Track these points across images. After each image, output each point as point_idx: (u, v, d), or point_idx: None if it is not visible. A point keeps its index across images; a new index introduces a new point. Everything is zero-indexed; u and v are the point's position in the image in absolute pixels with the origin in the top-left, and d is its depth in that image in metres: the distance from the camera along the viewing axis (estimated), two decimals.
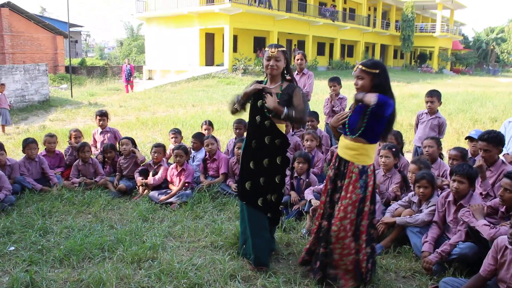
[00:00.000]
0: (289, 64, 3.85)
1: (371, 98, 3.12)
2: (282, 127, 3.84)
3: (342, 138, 3.53)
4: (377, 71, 3.29)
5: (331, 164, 3.64)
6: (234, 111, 3.97)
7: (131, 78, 22.18)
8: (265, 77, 3.95)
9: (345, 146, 3.46)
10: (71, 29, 37.20)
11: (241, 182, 3.94)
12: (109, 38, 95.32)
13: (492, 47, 61.12)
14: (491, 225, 3.38)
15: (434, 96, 5.93)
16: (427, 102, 5.98)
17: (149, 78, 32.01)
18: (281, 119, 3.69)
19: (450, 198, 3.98)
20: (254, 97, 3.85)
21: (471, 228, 3.52)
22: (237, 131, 6.63)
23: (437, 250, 3.74)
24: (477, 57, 58.31)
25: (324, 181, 3.79)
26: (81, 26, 43.61)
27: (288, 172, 5.38)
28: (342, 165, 3.47)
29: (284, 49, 3.77)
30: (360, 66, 3.34)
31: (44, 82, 16.61)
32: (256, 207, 3.83)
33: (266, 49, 3.80)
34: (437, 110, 6.01)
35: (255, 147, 3.84)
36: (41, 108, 15.78)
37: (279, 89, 3.79)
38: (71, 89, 19.45)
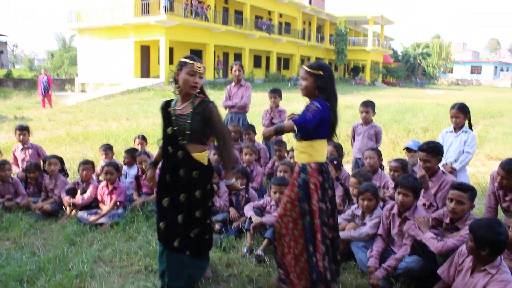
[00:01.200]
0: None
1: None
2: (202, 156, 3.42)
3: None
4: (321, 73, 3.23)
5: None
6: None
7: (49, 91, 19.45)
8: (177, 94, 3.41)
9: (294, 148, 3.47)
10: None
11: (157, 220, 3.51)
12: (40, 50, 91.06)
13: (419, 61, 64.33)
14: (438, 237, 3.31)
15: (369, 106, 5.94)
16: (362, 112, 5.98)
17: (82, 91, 30.79)
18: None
19: (395, 210, 3.90)
20: (164, 122, 3.42)
21: (418, 241, 3.44)
22: None
23: (383, 265, 3.62)
24: (406, 70, 61.17)
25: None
26: (5, 36, 41.27)
27: (217, 198, 5.14)
28: None
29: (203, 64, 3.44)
30: (305, 67, 3.28)
31: None
32: (172, 249, 3.40)
33: (188, 61, 3.31)
34: (372, 120, 6.04)
35: (169, 181, 3.39)
36: None
37: (190, 108, 3.34)
38: None
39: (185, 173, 3.33)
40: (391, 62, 58.26)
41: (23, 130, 6.60)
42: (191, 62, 3.29)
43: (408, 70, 63.35)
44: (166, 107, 3.43)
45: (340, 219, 4.37)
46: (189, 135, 3.31)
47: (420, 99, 27.38)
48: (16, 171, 6.50)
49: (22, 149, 6.62)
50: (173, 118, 3.33)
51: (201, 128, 3.35)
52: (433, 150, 4.21)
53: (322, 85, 3.23)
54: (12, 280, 3.74)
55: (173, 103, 3.43)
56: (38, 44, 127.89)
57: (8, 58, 47.62)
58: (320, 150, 3.32)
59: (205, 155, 3.45)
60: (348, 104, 20.70)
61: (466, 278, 2.89)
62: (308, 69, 3.27)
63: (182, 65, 3.31)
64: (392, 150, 9.47)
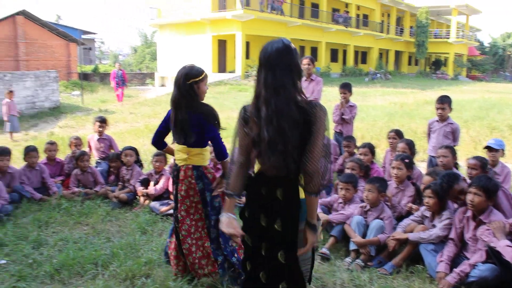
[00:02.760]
0: None
1: None
2: None
3: None
4: None
5: None
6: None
7: (124, 86, 19.12)
8: None
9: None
10: (84, 36, 37.50)
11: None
12: (124, 45, 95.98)
13: (509, 53, 60.16)
14: None
15: (445, 102, 5.63)
16: (437, 109, 5.69)
17: (162, 85, 32.00)
18: None
19: (469, 213, 3.66)
20: None
21: (492, 248, 3.21)
22: None
23: (455, 270, 3.42)
24: (493, 63, 57.44)
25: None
26: (95, 33, 43.89)
27: None
28: None
29: None
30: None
31: (55, 89, 16.58)
32: None
33: None
34: (448, 116, 5.72)
35: None
36: (51, 114, 15.73)
37: None
38: (82, 96, 19.44)
39: None
40: (476, 55, 54.92)
41: (103, 122, 6.99)
42: None
43: (496, 63, 59.43)
44: None
45: (409, 220, 4.20)
46: None
47: (508, 94, 25.57)
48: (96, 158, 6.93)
49: (98, 139, 7.01)
50: None
51: None
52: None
53: None
54: (88, 263, 4.00)
55: None
56: (123, 40, 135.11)
57: (95, 54, 50.65)
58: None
59: None
60: (428, 99, 19.83)
61: None
62: None
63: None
64: (473, 149, 8.94)
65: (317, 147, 2.28)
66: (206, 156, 3.59)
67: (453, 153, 4.94)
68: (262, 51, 2.39)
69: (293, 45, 2.42)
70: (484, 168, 4.52)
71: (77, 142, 6.87)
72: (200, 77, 3.40)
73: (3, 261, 4.13)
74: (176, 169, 3.58)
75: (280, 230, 2.40)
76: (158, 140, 3.83)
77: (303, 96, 2.35)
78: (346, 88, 6.75)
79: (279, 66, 2.32)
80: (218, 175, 3.69)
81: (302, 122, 2.28)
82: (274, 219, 2.42)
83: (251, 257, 2.56)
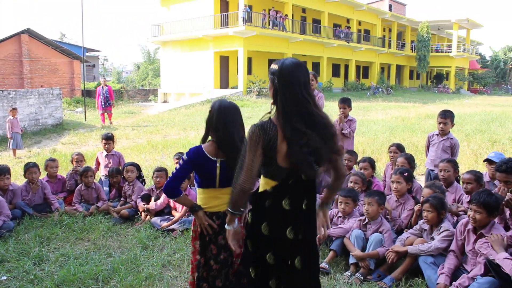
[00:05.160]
0: None
1: None
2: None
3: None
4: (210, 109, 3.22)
5: None
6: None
7: (112, 104, 17.05)
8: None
9: None
10: (88, 54, 37.81)
11: None
12: (127, 62, 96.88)
13: (510, 66, 60.28)
14: None
15: (447, 117, 5.63)
16: (439, 123, 5.69)
17: (164, 101, 32.18)
18: None
19: (470, 226, 3.67)
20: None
21: (491, 261, 3.21)
22: None
23: (454, 283, 3.42)
24: (495, 76, 57.62)
25: None
26: (98, 51, 44.34)
27: None
28: None
29: None
30: None
31: (58, 106, 16.69)
32: None
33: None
34: (449, 131, 5.73)
35: None
36: (54, 131, 15.81)
37: None
38: (85, 113, 19.55)
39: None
40: (478, 68, 55.13)
41: (109, 139, 7.04)
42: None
43: (498, 77, 59.63)
44: None
45: (408, 233, 4.21)
46: None
47: (510, 108, 25.59)
48: (102, 175, 6.95)
49: (106, 156, 7.06)
50: None
51: None
52: None
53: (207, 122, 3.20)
54: (89, 278, 4.02)
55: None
56: (126, 57, 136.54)
57: (99, 71, 51.02)
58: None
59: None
60: (429, 113, 19.90)
61: None
62: None
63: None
64: (474, 162, 8.94)
65: None
66: (200, 197, 3.33)
67: (455, 167, 4.92)
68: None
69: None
70: (479, 182, 4.50)
71: (78, 158, 6.92)
72: None
73: (4, 278, 4.15)
74: None
75: (301, 238, 2.49)
76: None
77: None
78: (345, 103, 6.78)
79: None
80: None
81: None
82: (299, 228, 2.48)
83: (255, 264, 2.58)
